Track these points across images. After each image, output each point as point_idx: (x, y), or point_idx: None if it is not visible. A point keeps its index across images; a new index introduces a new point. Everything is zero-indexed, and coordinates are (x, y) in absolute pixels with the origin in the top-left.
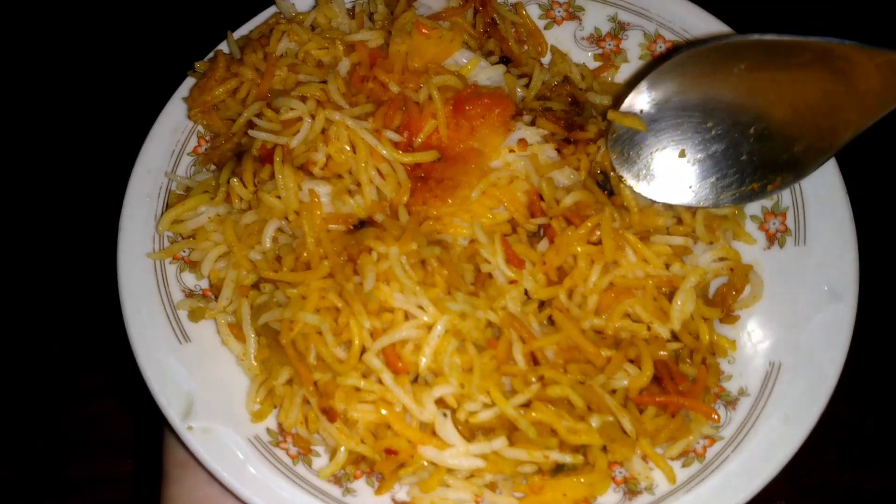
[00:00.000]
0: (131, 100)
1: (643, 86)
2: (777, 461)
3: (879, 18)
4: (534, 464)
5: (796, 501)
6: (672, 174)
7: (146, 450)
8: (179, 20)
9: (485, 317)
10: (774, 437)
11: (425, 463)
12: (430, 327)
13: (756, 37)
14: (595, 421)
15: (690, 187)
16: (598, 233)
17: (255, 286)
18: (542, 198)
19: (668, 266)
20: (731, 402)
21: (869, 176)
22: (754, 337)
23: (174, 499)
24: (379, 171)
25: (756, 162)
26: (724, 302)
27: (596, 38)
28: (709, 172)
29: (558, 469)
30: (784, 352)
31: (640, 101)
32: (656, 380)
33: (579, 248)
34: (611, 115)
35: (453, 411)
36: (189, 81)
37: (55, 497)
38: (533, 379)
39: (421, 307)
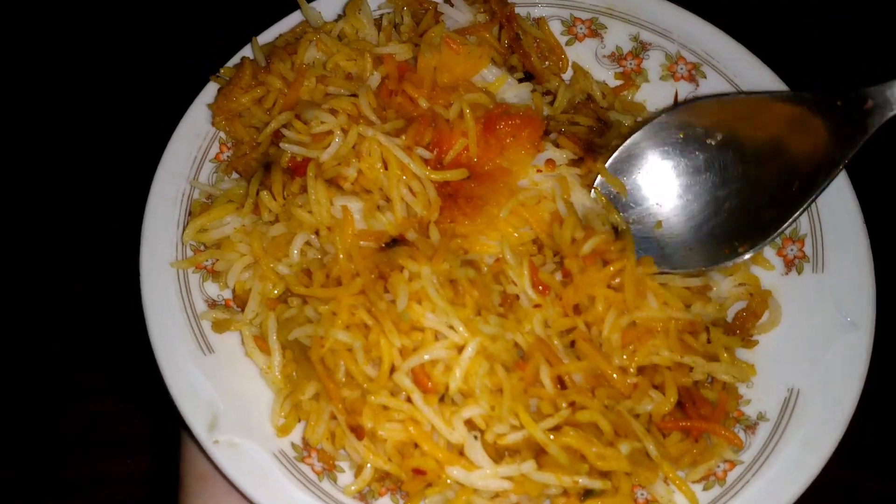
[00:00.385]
0: (152, 103)
1: (626, 149)
2: (796, 487)
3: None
4: (561, 487)
5: (796, 501)
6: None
7: (146, 450)
8: (201, 23)
9: (513, 338)
10: (793, 463)
11: (450, 482)
12: (460, 348)
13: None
14: (625, 447)
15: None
16: (619, 279)
17: (282, 299)
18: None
19: (688, 305)
20: (750, 427)
21: (886, 203)
22: (773, 362)
23: None
24: (410, 189)
25: (729, 231)
26: (742, 326)
27: (617, 57)
28: (683, 241)
29: (587, 494)
30: (802, 378)
31: (624, 163)
32: (678, 404)
33: (598, 292)
34: (599, 168)
35: (482, 432)
36: (212, 86)
37: (55, 497)
38: (564, 404)
39: (452, 327)
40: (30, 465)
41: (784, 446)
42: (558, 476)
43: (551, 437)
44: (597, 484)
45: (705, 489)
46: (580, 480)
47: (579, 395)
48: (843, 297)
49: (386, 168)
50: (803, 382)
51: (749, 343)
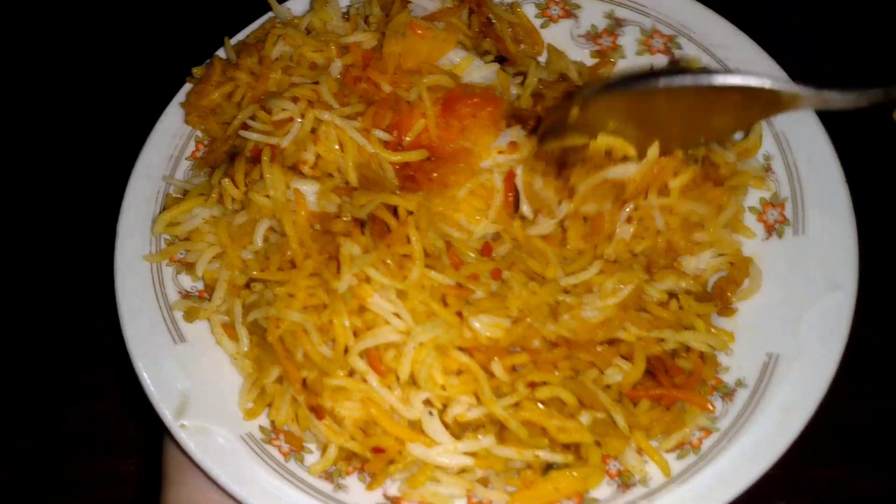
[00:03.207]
0: (131, 106)
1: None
2: (773, 452)
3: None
4: (524, 461)
5: (795, 501)
6: None
7: (147, 450)
8: (181, 27)
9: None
10: (771, 428)
11: (412, 459)
12: (407, 334)
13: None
14: (585, 418)
15: None
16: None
17: (248, 286)
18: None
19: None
20: (728, 394)
21: (867, 165)
22: (752, 329)
23: (174, 501)
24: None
25: None
26: (722, 295)
27: (592, 35)
28: None
29: (549, 468)
30: (782, 343)
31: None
32: (652, 375)
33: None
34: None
35: (442, 409)
36: (188, 87)
37: (55, 497)
38: (521, 386)
39: (398, 315)
40: (30, 465)
41: (762, 412)
42: (519, 451)
43: (511, 412)
44: (558, 457)
45: (679, 457)
46: (541, 454)
47: (539, 374)
48: (824, 259)
49: (343, 151)
50: (783, 347)
51: (728, 311)
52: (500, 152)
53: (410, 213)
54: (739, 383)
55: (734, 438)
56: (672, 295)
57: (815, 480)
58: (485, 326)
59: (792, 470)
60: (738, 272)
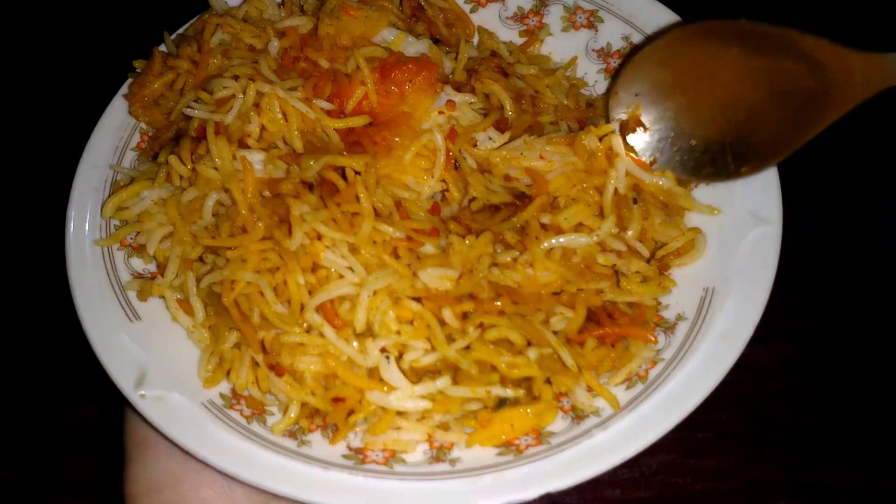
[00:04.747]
0: (75, 102)
1: (633, 67)
2: (715, 376)
3: None
4: (478, 401)
5: (796, 501)
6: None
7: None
8: (122, 25)
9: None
10: (712, 354)
11: (374, 408)
12: (361, 285)
13: (746, 22)
14: (533, 353)
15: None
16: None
17: (200, 259)
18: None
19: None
20: (669, 328)
21: None
22: (688, 268)
23: (135, 477)
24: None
25: (729, 149)
26: (663, 262)
27: (519, 16)
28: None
29: (501, 403)
30: (717, 277)
31: (630, 81)
32: (596, 322)
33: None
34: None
35: (399, 356)
36: (131, 82)
37: (55, 497)
38: (471, 328)
39: (350, 269)
40: (30, 465)
41: (702, 340)
42: (472, 388)
43: (463, 353)
44: (508, 392)
45: (628, 388)
46: (493, 390)
47: (488, 317)
48: (750, 198)
49: (287, 121)
50: (717, 280)
51: (665, 278)
52: (440, 112)
53: (358, 173)
54: (679, 317)
55: (679, 366)
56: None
57: (820, 482)
58: (433, 279)
59: (796, 471)
60: (687, 244)
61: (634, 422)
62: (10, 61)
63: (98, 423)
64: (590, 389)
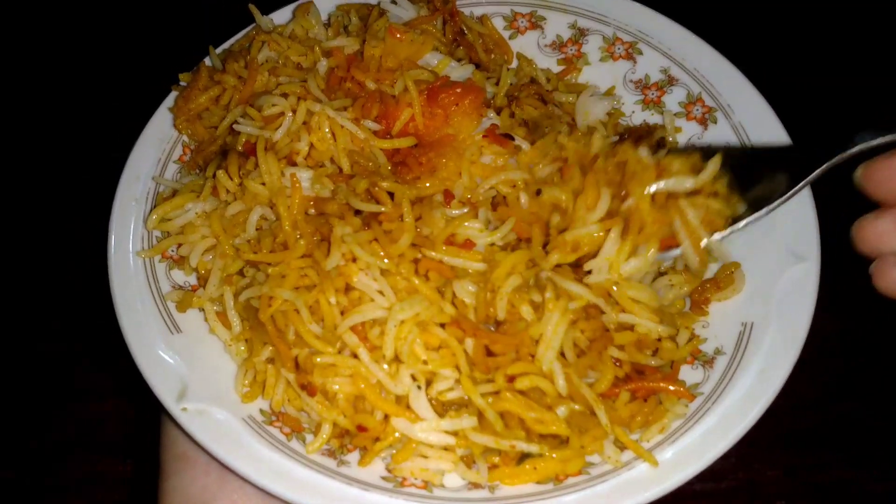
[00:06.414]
0: (119, 113)
1: None
2: (754, 413)
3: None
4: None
5: (796, 501)
6: None
7: (146, 450)
8: (167, 37)
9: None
10: (750, 391)
11: (398, 435)
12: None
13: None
14: (562, 410)
15: None
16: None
17: (240, 273)
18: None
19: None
20: (708, 362)
21: None
22: (727, 302)
23: (172, 491)
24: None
25: None
26: (703, 297)
27: (558, 45)
28: None
29: (524, 457)
30: (755, 312)
31: None
32: (626, 378)
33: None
34: None
35: (427, 385)
36: (175, 94)
37: (55, 497)
38: (500, 379)
39: (381, 293)
40: (30, 465)
41: (741, 376)
42: (496, 440)
43: (490, 400)
44: (533, 448)
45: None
46: (517, 445)
47: (520, 366)
48: (788, 234)
49: (335, 140)
50: (756, 316)
51: (700, 311)
52: (484, 136)
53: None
54: (718, 351)
55: (717, 401)
56: None
57: (820, 482)
58: (466, 292)
59: (796, 471)
60: (724, 277)
61: (674, 455)
62: (56, 73)
63: (98, 424)
64: (621, 447)
